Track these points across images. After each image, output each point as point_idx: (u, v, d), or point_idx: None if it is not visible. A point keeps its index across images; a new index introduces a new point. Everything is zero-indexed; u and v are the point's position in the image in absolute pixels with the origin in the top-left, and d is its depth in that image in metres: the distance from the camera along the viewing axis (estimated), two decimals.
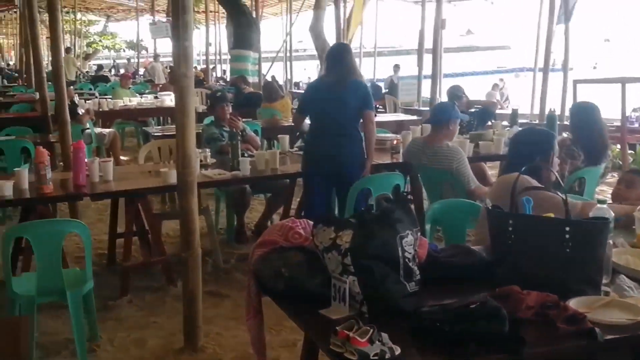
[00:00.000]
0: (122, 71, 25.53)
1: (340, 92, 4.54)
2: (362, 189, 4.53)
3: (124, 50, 36.13)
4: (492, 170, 6.96)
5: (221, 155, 5.50)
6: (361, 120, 4.60)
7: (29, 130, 7.79)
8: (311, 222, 2.41)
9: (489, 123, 7.15)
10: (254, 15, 13.00)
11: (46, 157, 4.17)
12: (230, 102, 6.05)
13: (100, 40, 36.07)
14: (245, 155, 5.25)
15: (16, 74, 23.83)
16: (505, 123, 7.54)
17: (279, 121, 8.85)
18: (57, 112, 6.22)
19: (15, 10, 25.70)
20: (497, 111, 8.20)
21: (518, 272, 2.25)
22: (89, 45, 34.72)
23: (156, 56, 21.12)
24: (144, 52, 28.91)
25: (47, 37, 15.07)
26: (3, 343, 2.08)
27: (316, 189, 4.73)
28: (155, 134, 7.24)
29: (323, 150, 4.60)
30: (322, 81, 4.97)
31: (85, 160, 4.46)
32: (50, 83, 12.02)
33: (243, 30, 12.19)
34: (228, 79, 18.51)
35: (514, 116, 7.18)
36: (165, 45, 22.97)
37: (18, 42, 21.46)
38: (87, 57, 32.01)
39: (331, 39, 16.68)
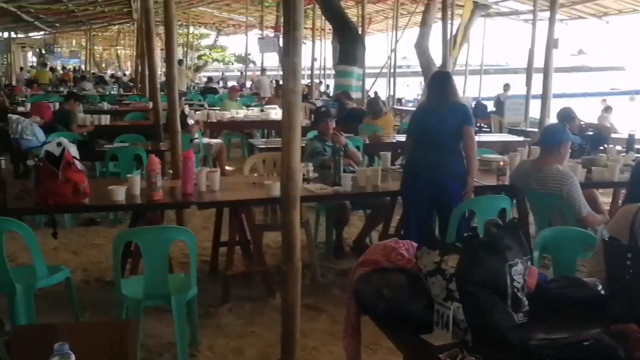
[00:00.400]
0: (229, 84, 26.34)
1: (440, 112, 4.66)
2: (465, 210, 4.42)
3: (232, 64, 37.34)
4: (603, 197, 6.63)
5: (323, 169, 5.54)
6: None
7: (142, 138, 8.15)
8: (414, 244, 2.36)
9: (602, 147, 6.83)
10: (360, 32, 13.08)
11: (158, 165, 4.34)
12: (334, 117, 6.08)
13: (210, 53, 37.47)
14: (347, 170, 5.26)
15: (131, 84, 25.12)
16: (619, 148, 7.18)
17: (381, 138, 8.84)
18: (169, 122, 6.47)
19: (133, 23, 27.17)
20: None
21: (636, 309, 2.11)
22: (199, 57, 36.09)
23: (263, 70, 21.67)
24: (251, 65, 29.72)
25: (161, 49, 15.84)
26: (112, 344, 2.16)
27: (416, 207, 4.68)
28: (260, 147, 7.39)
29: (422, 164, 4.62)
30: (424, 105, 5.07)
31: (194, 169, 4.60)
32: (163, 93, 12.66)
33: (348, 45, 12.29)
34: (331, 94, 18.73)
35: (630, 142, 6.81)
36: (272, 60, 23.56)
37: (135, 53, 22.55)
38: (198, 69, 33.26)
39: (436, 56, 16.58)
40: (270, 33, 23.06)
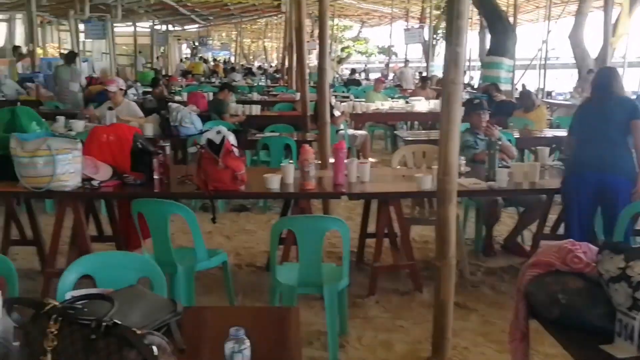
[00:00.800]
0: (371, 76, 26.35)
1: (606, 106, 4.38)
2: (635, 212, 4.09)
3: (375, 55, 37.36)
4: None
5: (475, 163, 5.36)
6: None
7: (291, 128, 8.32)
8: (592, 247, 2.19)
9: None
10: (511, 22, 12.57)
11: (311, 155, 4.38)
12: (486, 109, 5.86)
13: (353, 45, 37.72)
14: (500, 165, 5.05)
15: (278, 75, 25.84)
16: None
17: (532, 132, 8.44)
18: (318, 113, 6.54)
19: (281, 15, 27.92)
20: None
21: None
22: (342, 49, 36.43)
23: (406, 62, 21.48)
24: (393, 57, 29.56)
25: (307, 41, 16.14)
26: (275, 330, 2.19)
27: (579, 205, 4.38)
28: (407, 139, 7.31)
29: (589, 159, 4.32)
30: (588, 100, 4.76)
31: (345, 160, 4.60)
32: (310, 85, 12.86)
33: (499, 36, 11.85)
34: (475, 86, 18.14)
35: None
36: (415, 51, 23.28)
37: (282, 45, 23.13)
38: (341, 61, 33.64)
39: (591, 47, 15.59)
40: (414, 24, 22.78)
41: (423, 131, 9.40)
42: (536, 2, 20.57)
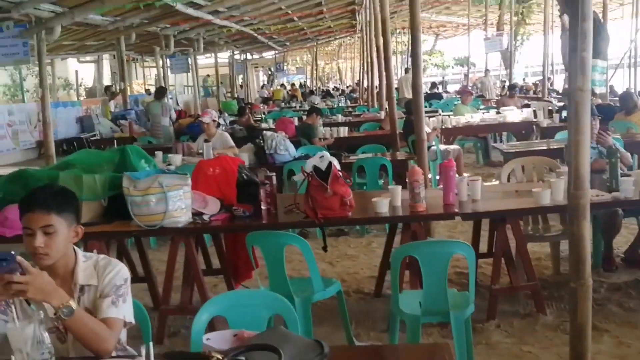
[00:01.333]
0: (449, 88, 25.96)
1: None
2: None
3: (452, 67, 36.85)
4: None
5: (590, 174, 5.05)
6: None
7: (382, 147, 8.20)
8: None
9: None
10: (601, 19, 12.02)
11: (421, 176, 4.24)
12: (597, 115, 5.55)
13: (429, 59, 37.38)
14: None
15: (355, 95, 25.85)
16: None
17: (636, 135, 8.00)
18: (415, 131, 6.38)
19: (355, 36, 28.01)
20: None
21: None
22: None
23: (487, 71, 21.02)
24: (471, 67, 28.99)
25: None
26: None
27: None
28: (507, 151, 7.05)
29: None
30: None
31: (455, 179, 4.43)
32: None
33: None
34: (560, 91, 17.52)
35: None
36: (492, 60, 22.72)
37: (359, 64, 23.14)
38: None
39: None
40: (493, 32, 22.28)
41: (521, 142, 9.07)
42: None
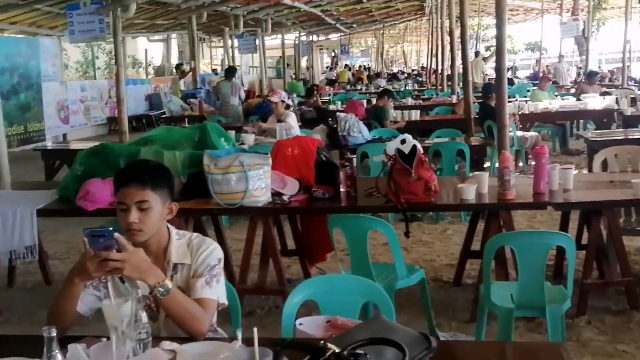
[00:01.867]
0: (519, 73, 25.21)
1: None
2: None
3: (522, 52, 35.78)
4: None
5: None
6: None
7: (458, 132, 7.96)
8: None
9: None
10: None
11: (511, 162, 4.04)
12: None
13: None
14: None
15: (421, 79, 25.44)
16: None
17: None
18: (497, 116, 6.11)
19: (422, 19, 27.52)
20: None
21: None
22: (487, 48, 35.25)
23: (560, 57, 20.30)
24: (543, 52, 28.11)
25: (448, 42, 15.70)
26: None
27: None
28: (592, 139, 6.73)
29: None
30: None
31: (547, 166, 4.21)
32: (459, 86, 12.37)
33: None
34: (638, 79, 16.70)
35: None
36: (566, 46, 21.90)
37: (427, 48, 22.72)
38: (485, 60, 32.51)
39: None
40: (567, 17, 21.47)
41: (606, 130, 8.67)
42: None
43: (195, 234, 2.38)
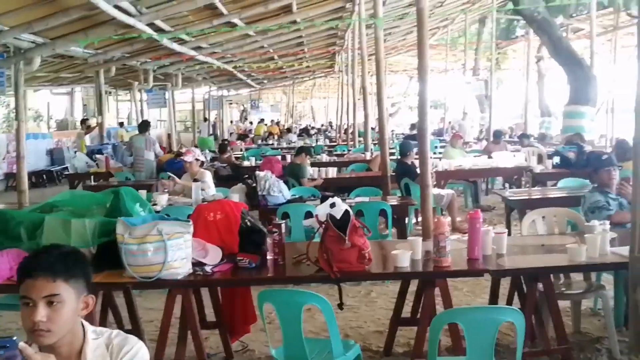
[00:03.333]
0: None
1: None
2: None
3: None
4: None
5: (613, 226, 4.74)
6: None
7: (377, 190, 7.84)
8: None
9: None
10: (590, 65, 12.00)
11: (447, 228, 3.86)
12: (616, 165, 5.28)
13: (404, 100, 37.52)
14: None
15: (330, 134, 25.63)
16: None
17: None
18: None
19: (332, 75, 27.97)
20: None
21: None
22: (392, 105, 36.27)
23: (464, 114, 21.00)
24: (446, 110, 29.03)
25: (358, 99, 15.91)
26: None
27: None
28: (511, 198, 6.75)
29: None
30: None
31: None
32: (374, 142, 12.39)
33: (580, 84, 11.30)
34: (536, 136, 17.29)
35: None
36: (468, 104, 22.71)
37: (338, 104, 22.98)
38: (390, 116, 33.32)
39: None
40: (470, 76, 22.35)
41: (523, 189, 8.84)
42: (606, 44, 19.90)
43: (115, 332, 1.99)
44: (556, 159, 9.54)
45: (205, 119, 25.33)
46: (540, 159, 10.09)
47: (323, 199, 6.20)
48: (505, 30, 26.07)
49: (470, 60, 25.13)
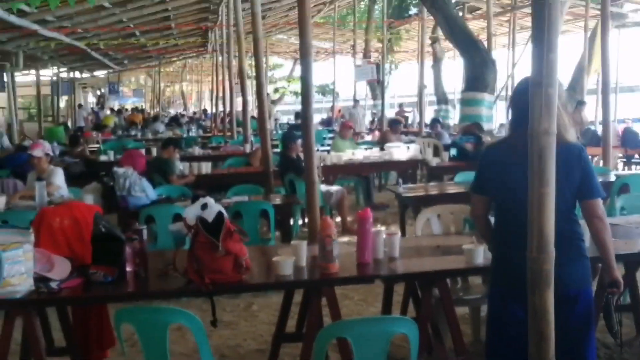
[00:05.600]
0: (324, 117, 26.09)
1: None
2: None
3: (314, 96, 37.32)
4: None
5: None
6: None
7: (259, 188, 7.83)
8: None
9: None
10: (487, 48, 12.52)
11: (334, 229, 3.91)
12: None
13: (288, 85, 37.74)
14: None
15: (203, 123, 25.35)
16: None
17: None
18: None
19: (205, 56, 27.66)
20: None
21: None
22: (275, 90, 36.38)
23: (356, 101, 21.37)
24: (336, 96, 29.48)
25: (236, 83, 15.85)
26: None
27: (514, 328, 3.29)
28: (405, 195, 6.95)
29: (521, 263, 2.98)
30: (509, 146, 3.40)
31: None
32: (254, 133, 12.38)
33: (478, 69, 11.78)
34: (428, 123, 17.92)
35: None
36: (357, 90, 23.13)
37: (212, 89, 22.76)
38: (273, 102, 33.42)
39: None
40: (360, 60, 22.83)
41: (418, 185, 9.10)
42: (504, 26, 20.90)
43: None
44: (453, 151, 9.92)
45: (79, 106, 24.17)
46: (436, 151, 10.46)
47: (194, 199, 6.11)
48: (398, 8, 26.82)
49: (360, 41, 25.70)
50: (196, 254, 3.74)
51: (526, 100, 2.97)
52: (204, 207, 3.93)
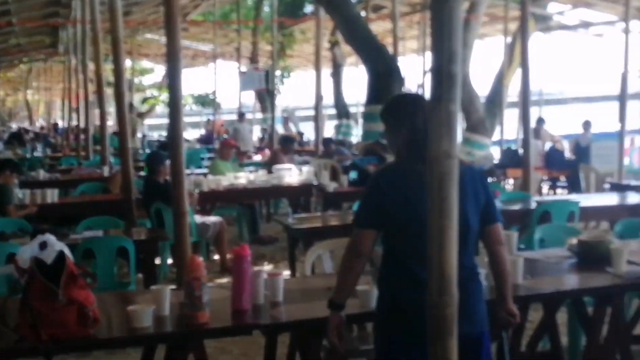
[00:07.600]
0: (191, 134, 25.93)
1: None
2: None
3: (191, 108, 36.97)
4: None
5: None
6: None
7: (117, 220, 7.70)
8: None
9: None
10: (393, 54, 12.78)
11: (203, 271, 3.89)
12: None
13: (159, 95, 37.37)
14: None
15: (52, 141, 24.76)
16: None
17: None
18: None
19: (56, 59, 27.11)
20: None
21: None
22: (144, 100, 35.91)
23: (241, 115, 21.35)
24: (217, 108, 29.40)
25: (94, 92, 15.61)
26: None
27: None
28: (296, 227, 6.98)
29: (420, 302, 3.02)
30: (404, 170, 3.49)
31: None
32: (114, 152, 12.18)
33: (381, 79, 12.00)
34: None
35: None
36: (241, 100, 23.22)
37: (66, 98, 22.29)
38: (141, 115, 32.90)
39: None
40: (246, 65, 22.96)
41: (312, 215, 9.17)
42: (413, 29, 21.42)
43: None
44: (353, 174, 10.05)
45: None
46: (334, 174, 10.57)
47: (34, 235, 5.94)
48: (291, 6, 27.10)
49: (246, 43, 25.82)
50: (31, 304, 3.67)
51: (418, 120, 3.08)
52: (43, 245, 3.87)
